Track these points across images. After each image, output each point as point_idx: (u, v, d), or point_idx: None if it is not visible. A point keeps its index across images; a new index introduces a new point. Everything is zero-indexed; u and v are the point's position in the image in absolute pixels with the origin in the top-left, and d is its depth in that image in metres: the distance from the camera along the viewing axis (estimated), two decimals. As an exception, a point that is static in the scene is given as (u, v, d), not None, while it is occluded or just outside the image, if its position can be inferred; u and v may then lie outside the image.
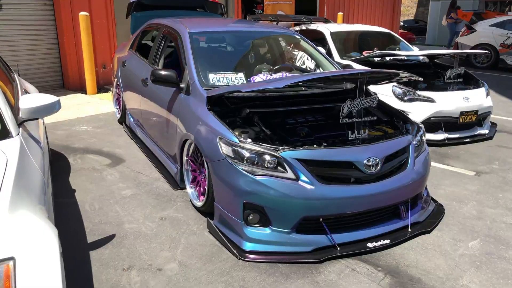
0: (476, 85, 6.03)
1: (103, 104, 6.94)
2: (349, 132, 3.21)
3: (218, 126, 3.23)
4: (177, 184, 3.94)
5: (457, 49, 6.58)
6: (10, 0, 7.20)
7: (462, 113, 5.47)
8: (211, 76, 3.84)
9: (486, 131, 5.80)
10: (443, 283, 2.77)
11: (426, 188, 3.74)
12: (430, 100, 5.44)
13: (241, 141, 3.05)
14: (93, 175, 4.23)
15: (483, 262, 3.01)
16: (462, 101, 5.53)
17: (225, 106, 3.54)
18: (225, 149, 3.08)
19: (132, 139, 5.23)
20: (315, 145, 3.12)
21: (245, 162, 2.99)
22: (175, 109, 3.85)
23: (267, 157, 2.97)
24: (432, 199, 3.84)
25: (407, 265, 2.94)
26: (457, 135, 5.56)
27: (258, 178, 2.93)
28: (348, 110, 3.14)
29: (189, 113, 3.60)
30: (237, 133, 3.13)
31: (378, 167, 3.12)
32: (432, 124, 5.43)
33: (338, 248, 3.02)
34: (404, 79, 3.61)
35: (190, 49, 3.95)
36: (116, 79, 5.83)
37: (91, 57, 7.53)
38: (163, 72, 3.79)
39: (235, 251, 2.98)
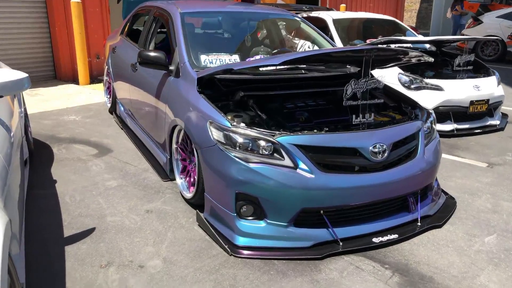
0: (486, 73, 5.72)
1: (95, 95, 6.64)
2: (353, 116, 2.91)
3: (208, 110, 2.93)
4: (167, 174, 3.65)
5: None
6: (-1, -13, 6.92)
7: (472, 102, 5.16)
8: (203, 57, 3.54)
9: (497, 122, 5.48)
10: (458, 282, 2.47)
11: (436, 179, 3.44)
12: (438, 88, 5.13)
13: (233, 125, 2.75)
14: (77, 166, 3.94)
15: (501, 259, 2.71)
16: (472, 89, 5.22)
17: (218, 89, 3.24)
18: (215, 134, 2.78)
19: (122, 129, 4.94)
20: (315, 130, 2.82)
21: (237, 148, 2.70)
22: (164, 94, 3.56)
23: (262, 143, 2.68)
24: (443, 191, 3.54)
25: (417, 262, 2.64)
26: (466, 126, 5.25)
27: (252, 165, 2.64)
28: (352, 91, 2.84)
29: (178, 97, 3.31)
30: (229, 118, 2.83)
31: (385, 155, 2.82)
32: (441, 114, 5.11)
33: (341, 244, 2.72)
34: (413, 60, 3.31)
35: (181, 28, 3.66)
36: (107, 67, 5.53)
37: (84, 45, 7.23)
38: (151, 54, 3.50)
39: (226, 247, 2.69)
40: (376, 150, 2.79)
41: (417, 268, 2.59)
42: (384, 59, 3.33)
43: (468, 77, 5.45)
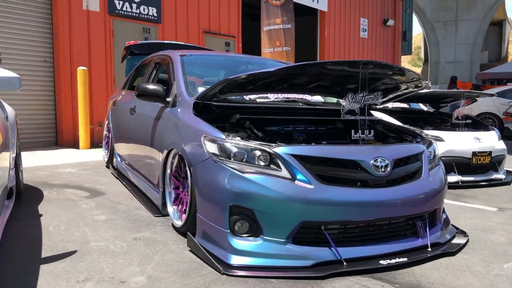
0: (486, 129, 5.71)
1: (94, 155, 6.60)
2: (352, 131, 2.82)
3: (203, 126, 2.85)
4: (159, 210, 3.45)
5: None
6: (11, 56, 7.24)
7: (474, 154, 5.07)
8: (200, 89, 3.55)
9: (503, 176, 5.34)
10: (479, 299, 2.19)
11: (444, 211, 3.24)
12: (439, 139, 5.08)
13: (228, 138, 2.66)
14: (66, 204, 3.76)
15: (525, 281, 2.43)
16: (474, 141, 5.17)
17: (214, 113, 3.20)
18: (210, 147, 2.67)
19: (117, 178, 4.81)
20: (313, 144, 2.71)
21: (232, 159, 2.57)
22: (160, 126, 3.50)
23: (258, 153, 2.56)
24: (453, 225, 3.31)
25: (431, 283, 2.37)
26: (471, 178, 5.11)
27: (246, 175, 2.49)
28: (350, 105, 2.78)
29: (174, 122, 3.25)
30: (225, 133, 2.74)
31: (388, 169, 2.68)
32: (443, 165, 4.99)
33: (345, 264, 2.46)
34: (411, 86, 3.29)
35: (180, 64, 3.72)
36: (107, 121, 5.56)
37: (87, 112, 7.34)
38: (149, 86, 3.52)
39: (218, 265, 2.43)
40: (378, 164, 2.65)
41: (432, 288, 2.32)
42: (384, 88, 3.32)
43: (467, 130, 5.43)
